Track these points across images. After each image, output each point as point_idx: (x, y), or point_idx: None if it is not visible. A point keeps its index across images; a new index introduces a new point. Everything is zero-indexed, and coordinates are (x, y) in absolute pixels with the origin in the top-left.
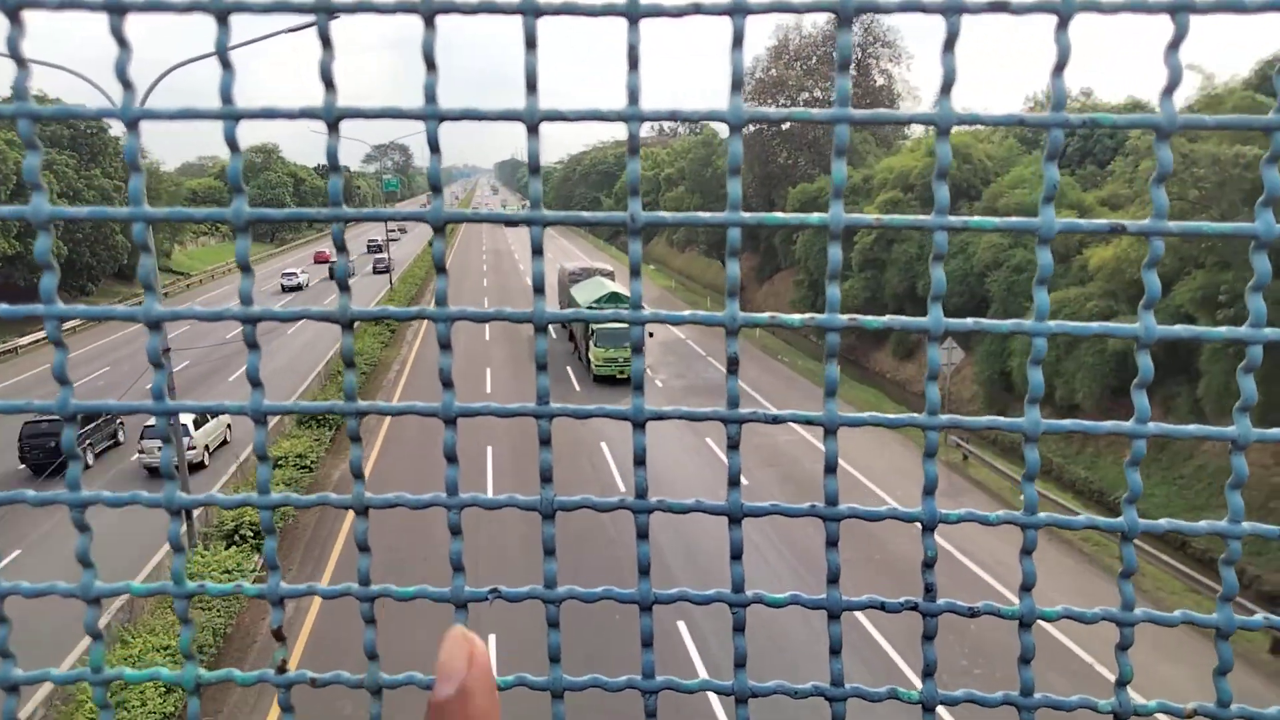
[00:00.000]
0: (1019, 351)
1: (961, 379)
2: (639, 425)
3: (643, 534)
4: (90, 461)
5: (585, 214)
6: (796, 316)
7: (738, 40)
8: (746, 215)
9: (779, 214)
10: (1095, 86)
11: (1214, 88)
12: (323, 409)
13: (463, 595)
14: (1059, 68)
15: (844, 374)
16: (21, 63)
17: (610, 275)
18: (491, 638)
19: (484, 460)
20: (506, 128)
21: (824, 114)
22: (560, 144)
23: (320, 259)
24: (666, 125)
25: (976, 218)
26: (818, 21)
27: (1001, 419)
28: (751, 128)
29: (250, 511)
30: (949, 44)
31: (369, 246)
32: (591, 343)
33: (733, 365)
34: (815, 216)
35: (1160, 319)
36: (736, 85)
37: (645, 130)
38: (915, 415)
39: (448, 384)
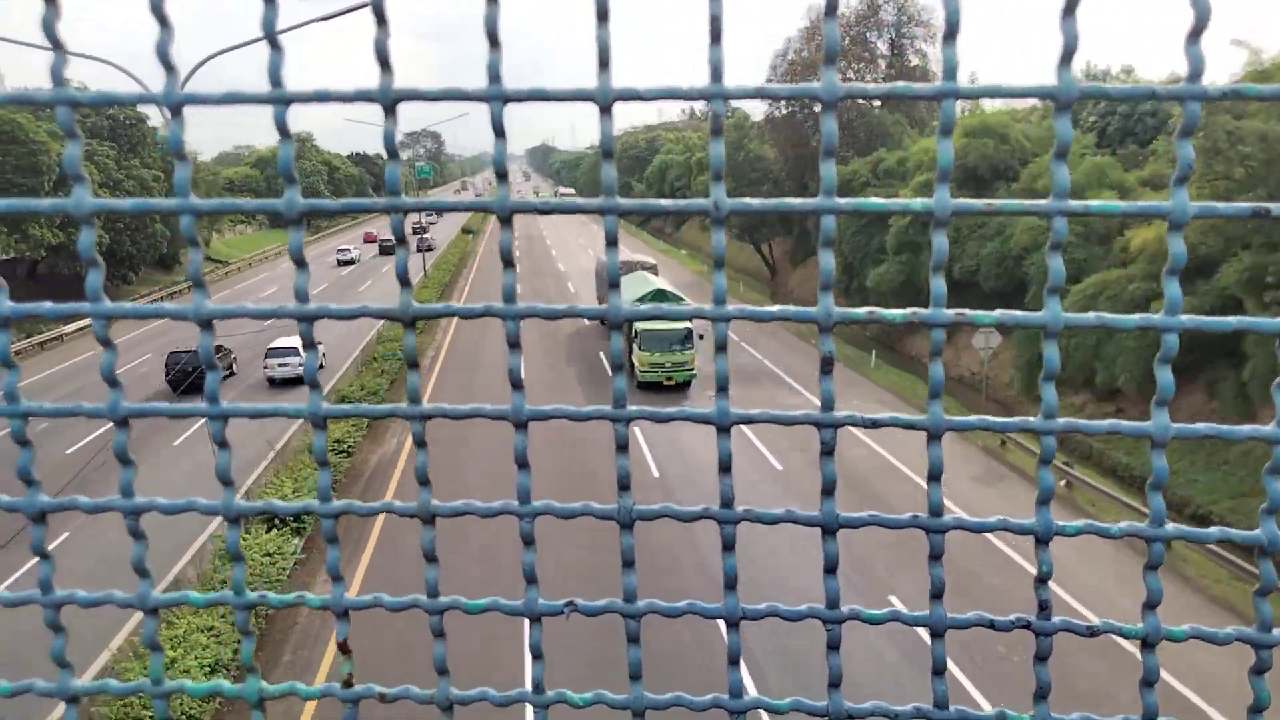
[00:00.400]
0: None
1: (1000, 363)
2: (724, 430)
3: (729, 545)
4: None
5: (664, 202)
6: (897, 312)
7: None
8: (841, 201)
9: (877, 199)
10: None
11: (1261, 63)
12: (385, 412)
13: (537, 608)
14: (1195, 34)
15: (878, 358)
16: (58, 46)
17: (653, 269)
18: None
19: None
20: (538, 113)
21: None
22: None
23: (369, 239)
24: (697, 108)
25: (1098, 202)
26: (851, 2)
27: (1124, 423)
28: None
29: (288, 497)
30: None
31: (413, 228)
32: (636, 345)
33: (827, 365)
34: (918, 202)
35: (1206, 301)
36: (831, 59)
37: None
38: (1029, 420)
39: (517, 385)
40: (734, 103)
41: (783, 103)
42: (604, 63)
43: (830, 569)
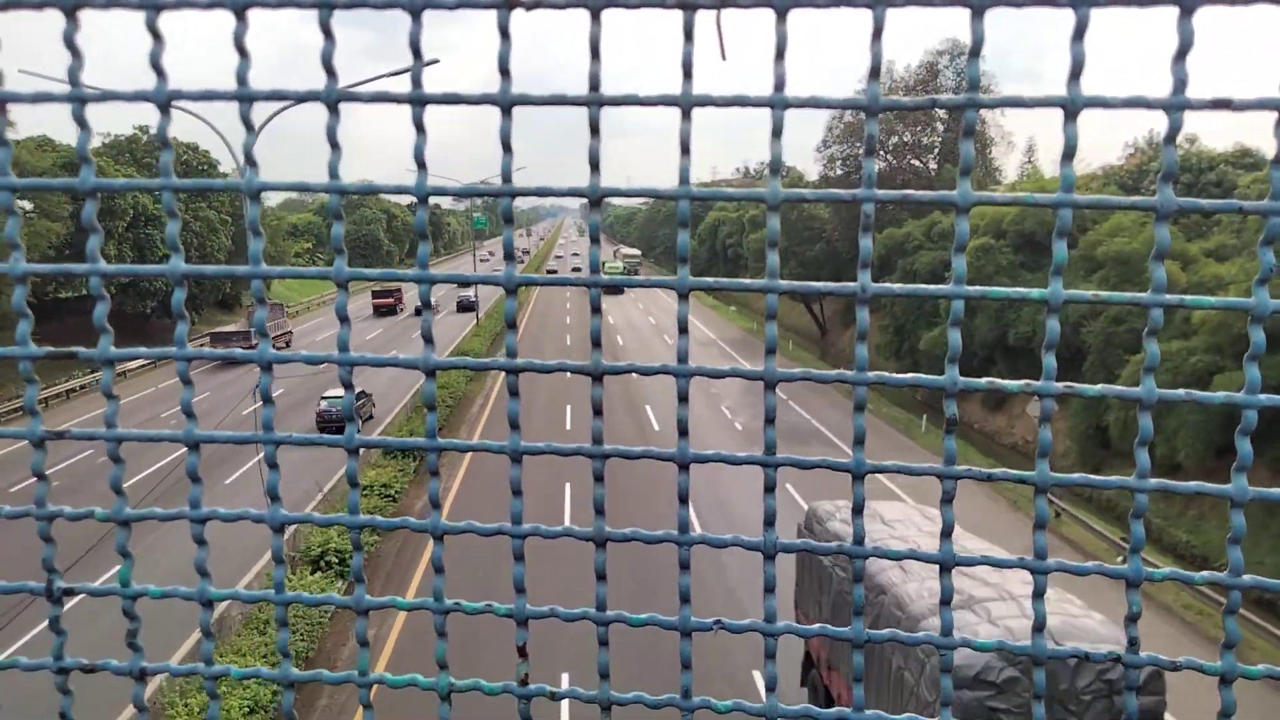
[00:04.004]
0: (1115, 406)
1: (1054, 431)
2: (858, 477)
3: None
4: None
5: (817, 284)
6: (1014, 383)
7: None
8: (970, 289)
9: (999, 289)
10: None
11: None
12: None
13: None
14: (1278, 160)
15: (929, 423)
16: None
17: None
18: (564, 675)
19: (562, 497)
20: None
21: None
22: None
23: (379, 307)
24: (751, 166)
25: (1193, 296)
26: (910, 64)
27: (1209, 485)
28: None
29: (336, 539)
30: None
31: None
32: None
33: (951, 425)
34: (1036, 292)
35: (1272, 374)
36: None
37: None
38: (1127, 479)
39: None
40: (789, 162)
41: (838, 164)
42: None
43: (946, 600)
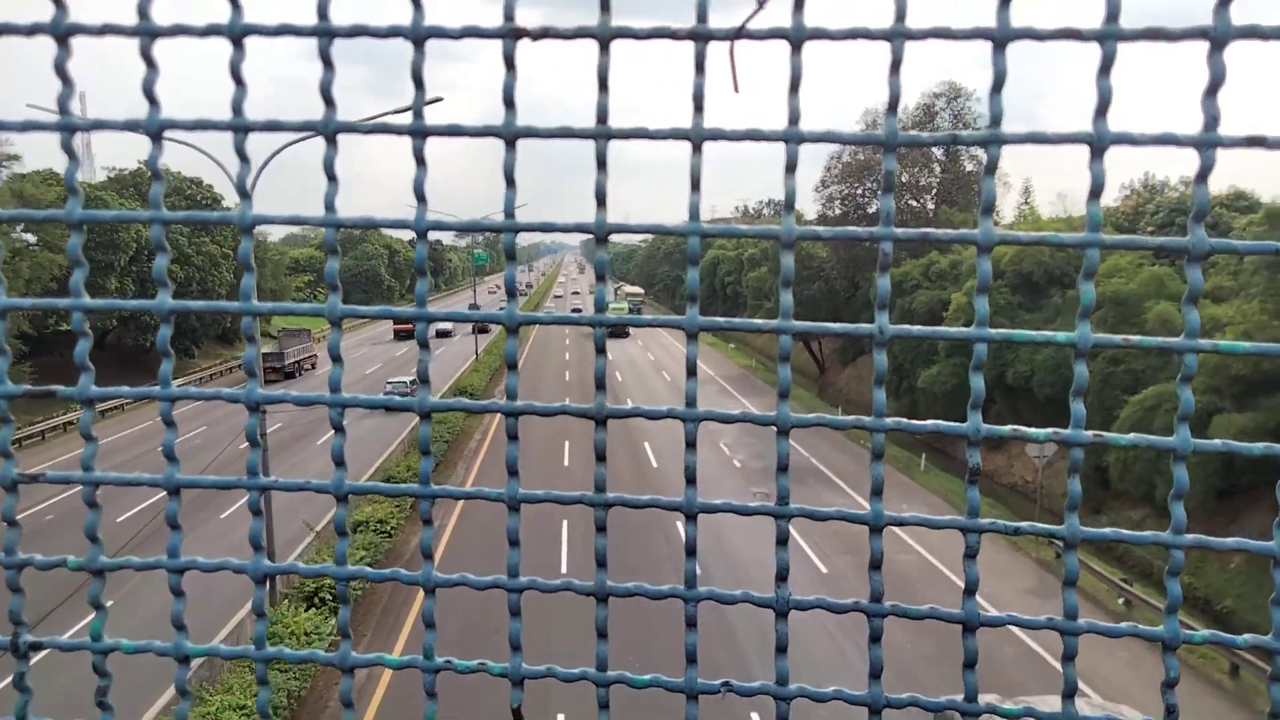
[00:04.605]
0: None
1: (1055, 473)
2: (876, 530)
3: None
4: None
5: (831, 325)
6: (1040, 431)
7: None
8: (993, 331)
9: (1022, 331)
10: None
11: None
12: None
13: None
14: None
15: (929, 461)
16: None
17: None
18: (560, 717)
19: (559, 535)
20: (591, 204)
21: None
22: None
23: (399, 331)
24: (750, 205)
25: (1227, 341)
26: (907, 106)
27: (1251, 542)
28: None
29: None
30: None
31: (470, 307)
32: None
33: (974, 475)
34: (1062, 336)
35: (1272, 418)
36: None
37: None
38: (1160, 534)
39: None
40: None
41: (836, 203)
42: (601, 201)
43: (970, 664)
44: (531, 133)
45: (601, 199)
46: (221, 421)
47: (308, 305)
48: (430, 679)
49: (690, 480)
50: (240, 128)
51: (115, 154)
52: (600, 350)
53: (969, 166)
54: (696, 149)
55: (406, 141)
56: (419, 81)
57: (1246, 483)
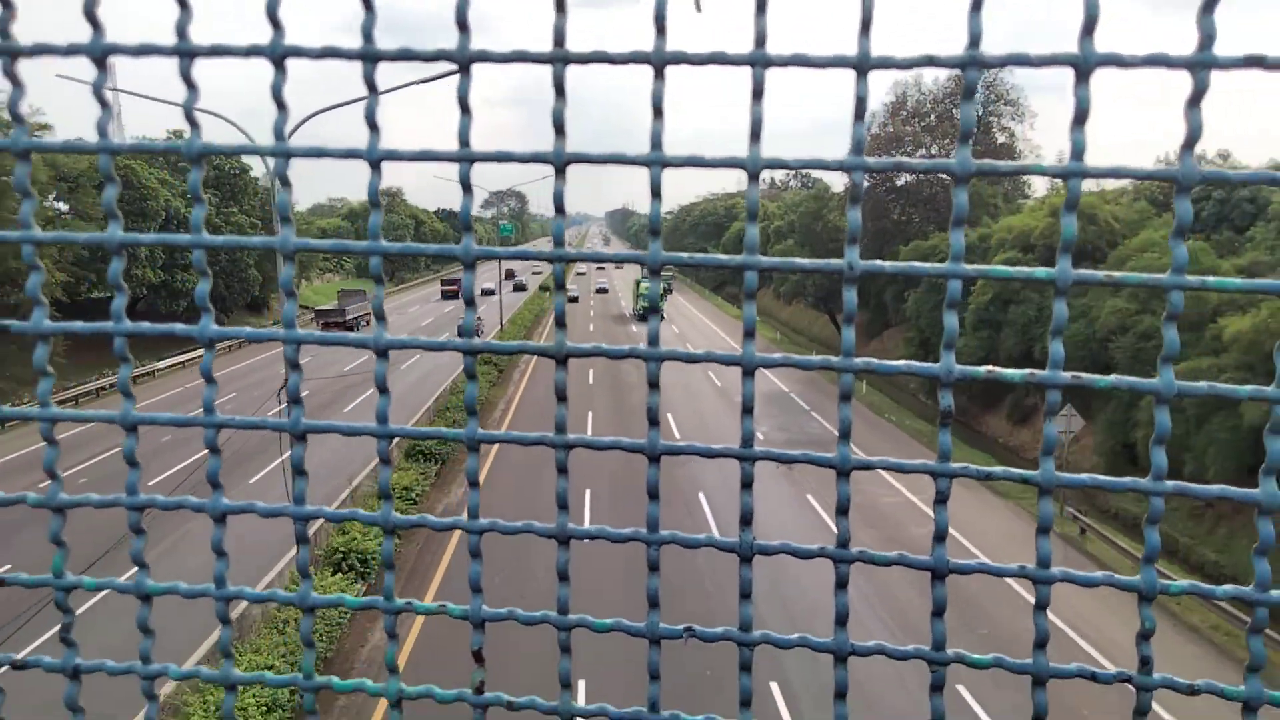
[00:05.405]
0: (1144, 422)
1: (1081, 449)
2: (843, 474)
3: (842, 584)
4: None
5: (800, 260)
6: (1016, 372)
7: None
8: (968, 267)
9: (1001, 267)
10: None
11: None
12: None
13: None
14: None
15: (955, 437)
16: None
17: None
18: (581, 683)
19: (582, 502)
20: (618, 177)
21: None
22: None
23: (445, 291)
24: (777, 178)
25: (1216, 278)
26: (938, 78)
27: (1233, 489)
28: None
29: (356, 541)
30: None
31: (508, 274)
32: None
33: (945, 418)
34: (1042, 271)
35: None
36: (965, 138)
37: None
38: (1139, 480)
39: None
40: (815, 173)
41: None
42: (559, 129)
43: (938, 612)
44: (486, 56)
45: (559, 127)
46: (256, 388)
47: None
48: (390, 620)
49: (653, 422)
50: (282, 154)
51: (146, 125)
52: (560, 286)
53: (1000, 139)
54: (659, 74)
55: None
56: (465, 107)
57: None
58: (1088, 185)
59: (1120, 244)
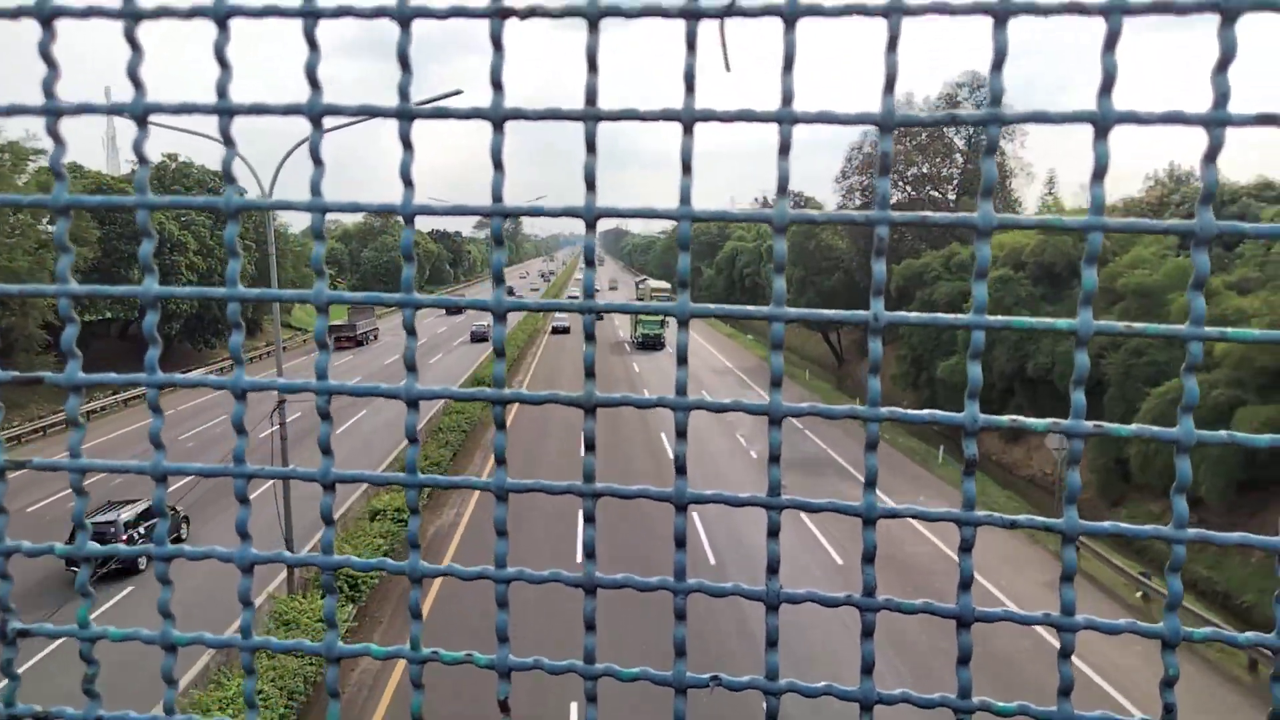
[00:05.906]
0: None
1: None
2: (869, 523)
3: (868, 632)
4: None
5: (826, 312)
6: (1040, 422)
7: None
8: (992, 319)
9: (1022, 318)
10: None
11: None
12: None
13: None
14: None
15: (946, 454)
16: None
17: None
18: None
19: (574, 517)
20: (613, 197)
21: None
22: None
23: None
24: (769, 196)
25: (1235, 329)
26: (929, 96)
27: (1254, 537)
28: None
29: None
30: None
31: (541, 274)
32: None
33: (970, 467)
34: (1064, 322)
35: None
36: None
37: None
38: (1162, 528)
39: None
40: (808, 192)
41: (857, 194)
42: (590, 185)
43: (964, 660)
44: (520, 114)
45: (591, 183)
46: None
47: (293, 292)
48: (417, 669)
49: (680, 470)
50: (226, 110)
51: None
52: (589, 337)
53: None
54: (688, 130)
55: (431, 134)
56: (405, 63)
57: (1271, 475)
58: (1080, 200)
59: (1111, 261)
